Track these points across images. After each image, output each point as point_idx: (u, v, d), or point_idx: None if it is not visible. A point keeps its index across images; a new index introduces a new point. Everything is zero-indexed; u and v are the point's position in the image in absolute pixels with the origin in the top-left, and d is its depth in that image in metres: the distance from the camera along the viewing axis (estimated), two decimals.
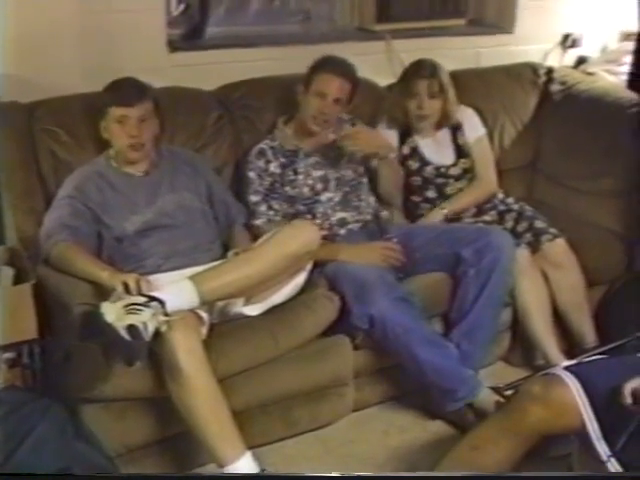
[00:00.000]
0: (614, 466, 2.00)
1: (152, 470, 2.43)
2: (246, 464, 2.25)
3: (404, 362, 2.66)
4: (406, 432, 2.73)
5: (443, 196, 3.13)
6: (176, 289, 2.31)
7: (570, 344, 3.03)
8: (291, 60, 2.93)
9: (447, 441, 2.55)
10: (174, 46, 3.11)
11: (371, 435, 2.72)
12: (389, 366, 2.78)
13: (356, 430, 2.74)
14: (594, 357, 2.34)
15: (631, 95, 3.24)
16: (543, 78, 3.65)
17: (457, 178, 3.15)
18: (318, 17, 3.42)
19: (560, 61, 3.94)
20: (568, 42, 3.95)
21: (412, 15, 3.62)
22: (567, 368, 2.17)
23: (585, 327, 3.01)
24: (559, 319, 3.02)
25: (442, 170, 3.15)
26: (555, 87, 3.61)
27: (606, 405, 2.04)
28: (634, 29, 3.16)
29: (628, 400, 1.97)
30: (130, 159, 2.67)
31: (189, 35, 3.22)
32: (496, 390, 2.73)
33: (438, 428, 2.74)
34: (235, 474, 2.22)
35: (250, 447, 2.31)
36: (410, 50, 3.37)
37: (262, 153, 2.92)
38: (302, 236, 2.50)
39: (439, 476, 1.90)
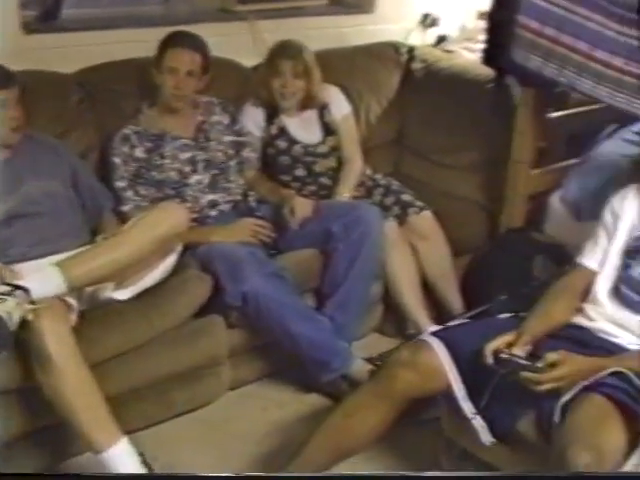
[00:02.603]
0: (479, 423, 2.10)
1: (24, 463, 2.37)
2: (122, 449, 2.22)
3: (278, 337, 2.70)
4: (284, 407, 2.77)
5: (312, 174, 3.17)
6: (41, 276, 2.25)
7: (440, 312, 3.14)
8: (152, 42, 2.87)
9: (324, 413, 2.57)
10: (29, 28, 3.00)
11: (249, 412, 2.75)
12: (265, 343, 2.82)
13: (234, 408, 2.76)
14: (459, 321, 2.43)
15: (488, 71, 3.35)
16: (405, 57, 3.74)
17: (325, 156, 3.20)
18: None
19: (421, 40, 4.04)
20: (427, 21, 4.05)
21: None
22: (434, 333, 2.25)
23: (453, 295, 3.13)
24: (428, 288, 3.13)
25: (310, 149, 3.19)
26: (417, 65, 3.71)
27: (471, 366, 2.13)
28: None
29: (490, 360, 2.07)
30: None
31: (44, 17, 3.10)
32: (370, 360, 2.81)
33: (315, 400, 2.79)
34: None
35: (128, 432, 2.29)
36: (274, 30, 3.38)
37: (126, 138, 2.87)
38: (170, 218, 2.48)
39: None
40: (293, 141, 3.16)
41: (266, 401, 2.80)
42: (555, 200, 3.12)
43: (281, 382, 2.89)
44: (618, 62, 2.71)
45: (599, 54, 2.74)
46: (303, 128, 3.20)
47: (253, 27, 3.48)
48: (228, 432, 2.65)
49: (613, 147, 3.11)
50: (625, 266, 2.25)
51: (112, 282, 2.45)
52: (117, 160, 2.86)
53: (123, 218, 2.78)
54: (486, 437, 2.11)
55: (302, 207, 2.92)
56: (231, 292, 2.62)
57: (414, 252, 3.08)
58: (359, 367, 2.74)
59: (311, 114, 3.21)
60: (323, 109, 3.23)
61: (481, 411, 2.11)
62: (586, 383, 1.96)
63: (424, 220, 3.11)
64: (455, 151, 3.48)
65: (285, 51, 3.09)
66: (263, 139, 3.17)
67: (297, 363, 2.76)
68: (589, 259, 2.33)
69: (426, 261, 3.10)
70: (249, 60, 3.35)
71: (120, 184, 2.85)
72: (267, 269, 2.67)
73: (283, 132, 3.17)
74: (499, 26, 3.01)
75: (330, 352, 2.70)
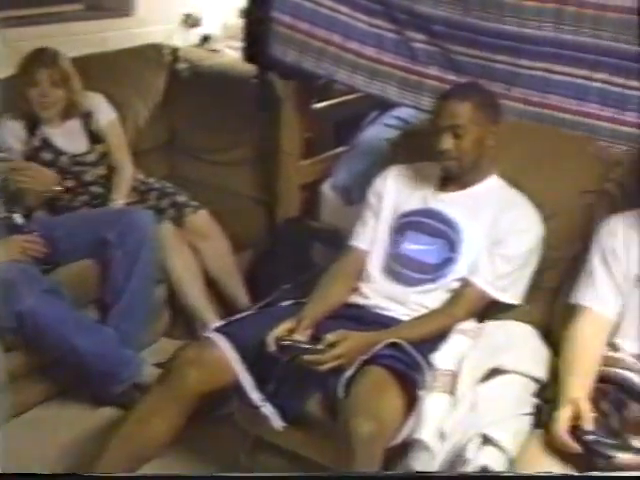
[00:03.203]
0: (269, 410, 2.14)
1: None
2: None
3: (62, 355, 2.62)
4: (76, 425, 2.68)
5: (82, 184, 3.08)
6: None
7: (227, 309, 3.16)
8: None
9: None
10: None
11: (39, 436, 2.63)
12: (47, 362, 2.71)
13: (21, 435, 2.61)
14: (242, 315, 2.45)
15: (251, 68, 3.41)
16: (168, 58, 3.73)
17: (94, 164, 3.12)
18: None
19: (185, 40, 4.04)
20: (189, 21, 4.07)
21: (24, 2, 3.49)
22: (217, 329, 2.27)
23: (238, 290, 3.16)
24: (213, 287, 3.14)
25: (77, 158, 3.09)
26: (181, 66, 3.71)
27: (257, 356, 2.17)
28: None
29: (272, 348, 2.12)
30: None
31: None
32: (160, 366, 2.76)
33: (109, 414, 2.72)
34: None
35: None
36: (29, 38, 3.25)
37: None
38: None
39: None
40: (58, 152, 3.06)
41: (55, 423, 2.70)
42: (327, 188, 3.24)
43: (70, 400, 2.79)
44: (370, 51, 2.85)
45: (352, 45, 2.87)
46: (68, 138, 3.10)
47: (4, 35, 3.33)
48: (17, 461, 2.49)
49: (376, 132, 3.27)
50: (393, 243, 2.37)
51: None
52: None
53: None
54: (277, 422, 2.14)
55: (37, 172, 2.90)
56: (4, 314, 2.50)
57: (195, 252, 3.08)
58: (150, 374, 2.70)
59: (75, 123, 3.12)
60: (87, 117, 3.14)
61: (270, 398, 2.15)
62: (365, 357, 2.05)
63: (201, 219, 3.12)
64: (227, 148, 3.53)
65: (39, 59, 2.98)
66: (25, 153, 3.04)
67: (85, 378, 2.69)
68: (360, 240, 2.44)
69: (207, 259, 3.11)
70: (2, 72, 3.20)
71: None
72: (41, 286, 2.58)
73: (47, 144, 3.06)
74: (255, 23, 3.08)
75: (117, 363, 2.66)
